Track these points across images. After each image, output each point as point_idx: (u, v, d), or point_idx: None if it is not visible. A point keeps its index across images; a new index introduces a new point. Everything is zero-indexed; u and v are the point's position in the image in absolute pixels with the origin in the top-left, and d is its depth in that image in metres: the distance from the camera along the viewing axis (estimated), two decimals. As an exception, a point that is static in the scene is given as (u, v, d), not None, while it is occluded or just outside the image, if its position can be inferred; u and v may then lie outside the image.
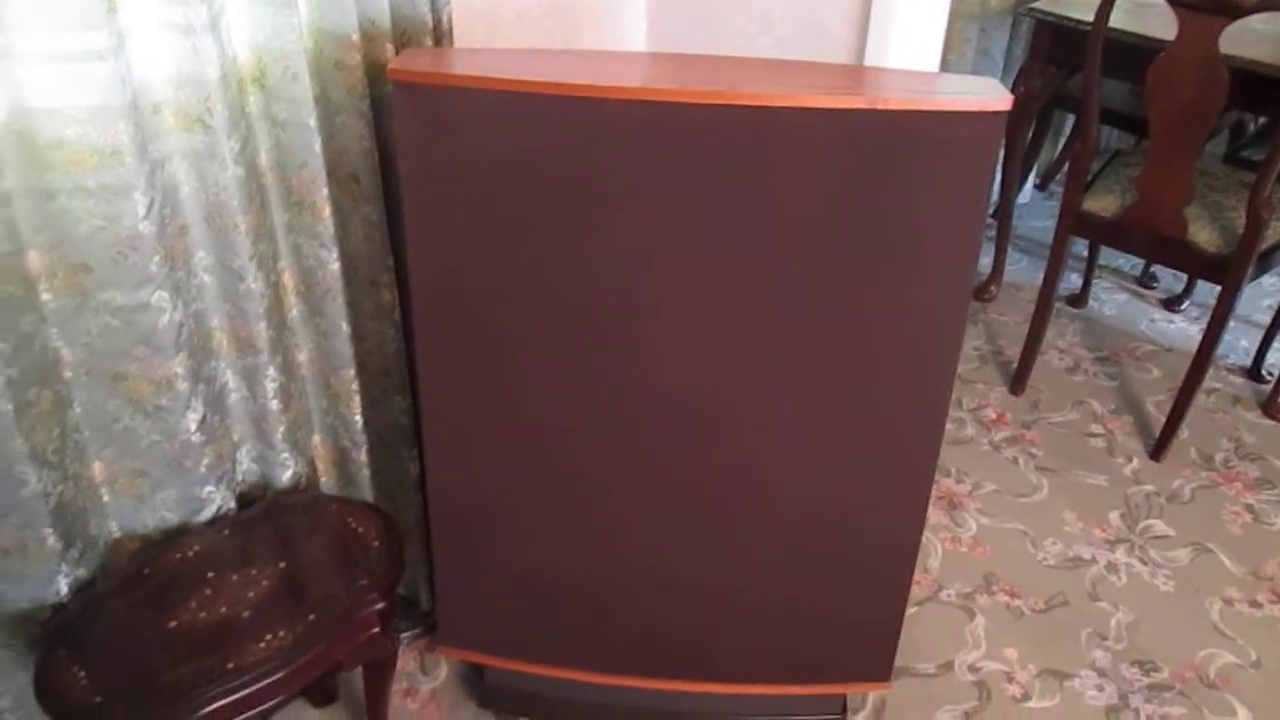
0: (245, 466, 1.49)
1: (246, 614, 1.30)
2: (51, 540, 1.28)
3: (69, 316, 1.24)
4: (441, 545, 1.45)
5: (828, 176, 1.16)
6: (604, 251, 1.22)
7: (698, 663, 1.52)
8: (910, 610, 1.57)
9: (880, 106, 1.12)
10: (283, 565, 1.37)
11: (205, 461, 1.39)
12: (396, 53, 1.37)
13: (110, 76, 1.12)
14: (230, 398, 1.43)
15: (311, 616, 1.30)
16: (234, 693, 1.21)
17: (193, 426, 1.36)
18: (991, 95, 1.13)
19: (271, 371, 1.43)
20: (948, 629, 1.86)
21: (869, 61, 1.69)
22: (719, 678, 1.53)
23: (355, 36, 1.31)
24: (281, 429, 1.48)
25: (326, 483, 1.60)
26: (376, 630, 1.36)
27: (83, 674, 1.19)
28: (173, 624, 1.28)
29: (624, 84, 1.14)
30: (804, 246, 1.20)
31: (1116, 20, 2.10)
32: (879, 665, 1.52)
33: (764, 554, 1.42)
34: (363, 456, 1.58)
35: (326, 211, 1.37)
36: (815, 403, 1.30)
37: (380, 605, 1.35)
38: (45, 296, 1.22)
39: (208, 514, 1.43)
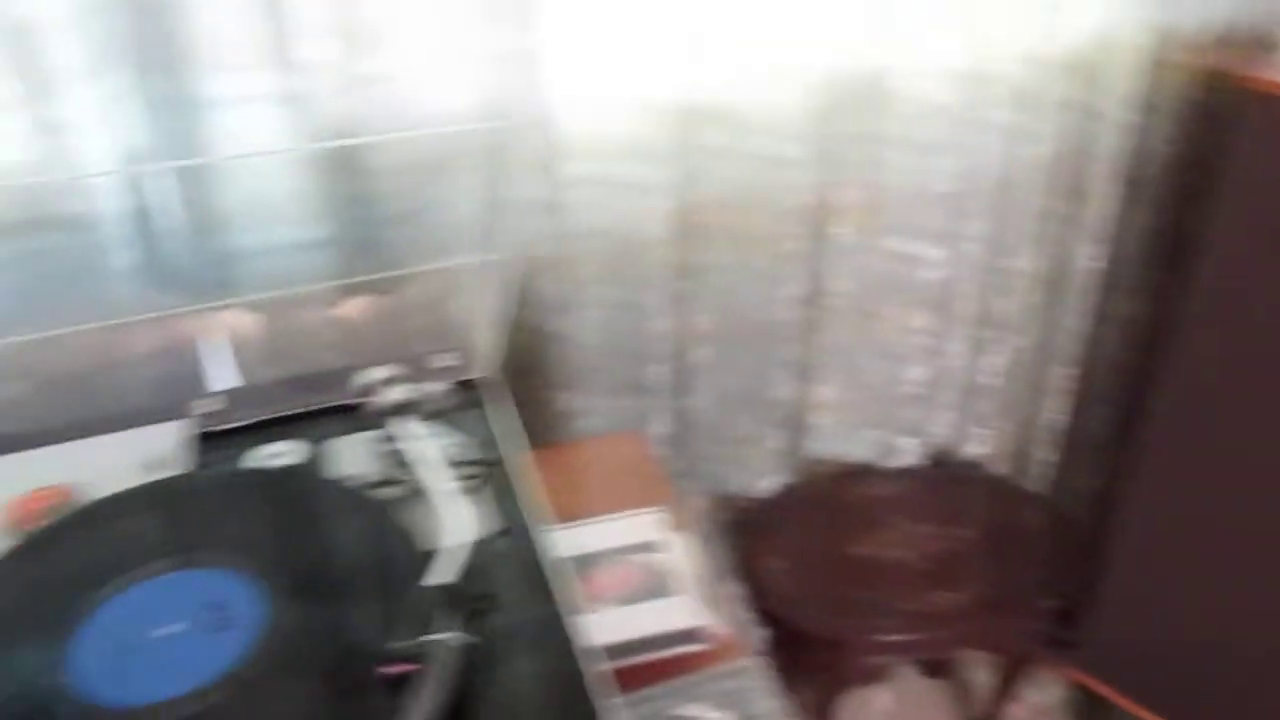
0: (941, 430, 1.55)
1: (923, 566, 1.36)
2: (773, 441, 1.44)
3: (849, 252, 1.36)
4: (1119, 569, 1.40)
5: None
6: None
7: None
8: None
9: None
10: (961, 533, 1.41)
11: (913, 414, 1.47)
12: (1230, 59, 1.30)
13: (958, 42, 1.20)
14: (953, 362, 1.48)
15: (982, 590, 1.33)
16: (901, 633, 1.28)
17: (915, 378, 1.44)
18: None
19: (998, 348, 1.46)
20: None
21: None
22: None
23: (1189, 37, 1.27)
24: (986, 405, 1.51)
25: (1005, 469, 1.61)
26: (1035, 626, 1.35)
27: (782, 566, 1.33)
28: (857, 550, 1.37)
29: None
30: None
31: None
32: None
33: None
34: (1049, 454, 1.57)
35: (1103, 207, 1.35)
36: None
37: (1048, 604, 1.34)
38: (835, 230, 1.35)
39: (899, 462, 1.51)
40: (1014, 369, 1.51)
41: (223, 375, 1.09)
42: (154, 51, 1.02)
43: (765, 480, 1.47)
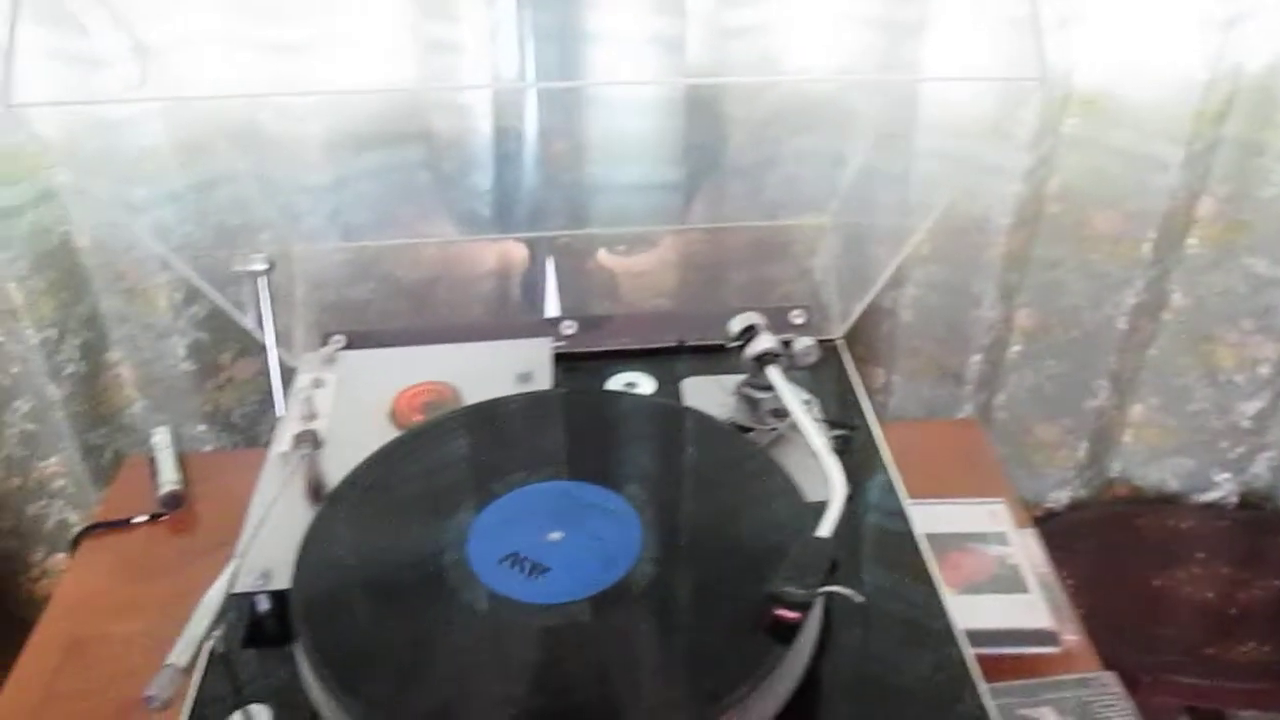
0: (1262, 471, 1.43)
1: (1226, 612, 1.26)
2: (1076, 452, 1.36)
3: (1201, 266, 1.26)
4: None
5: None
6: None
7: None
8: None
9: None
10: (1273, 584, 1.30)
11: (1235, 449, 1.36)
12: None
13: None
14: (1291, 399, 1.36)
15: (1296, 650, 1.22)
16: (1196, 678, 1.19)
17: (1244, 411, 1.33)
18: None
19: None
20: None
21: None
22: None
23: None
24: (1321, 451, 1.38)
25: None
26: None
27: (1071, 584, 1.26)
28: (1153, 581, 1.29)
29: None
30: None
31: None
32: None
33: None
34: (1380, 517, 1.42)
35: None
36: None
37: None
38: (1190, 241, 1.25)
39: (1209, 497, 1.41)
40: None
41: (559, 302, 1.13)
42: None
43: (1059, 491, 1.40)
